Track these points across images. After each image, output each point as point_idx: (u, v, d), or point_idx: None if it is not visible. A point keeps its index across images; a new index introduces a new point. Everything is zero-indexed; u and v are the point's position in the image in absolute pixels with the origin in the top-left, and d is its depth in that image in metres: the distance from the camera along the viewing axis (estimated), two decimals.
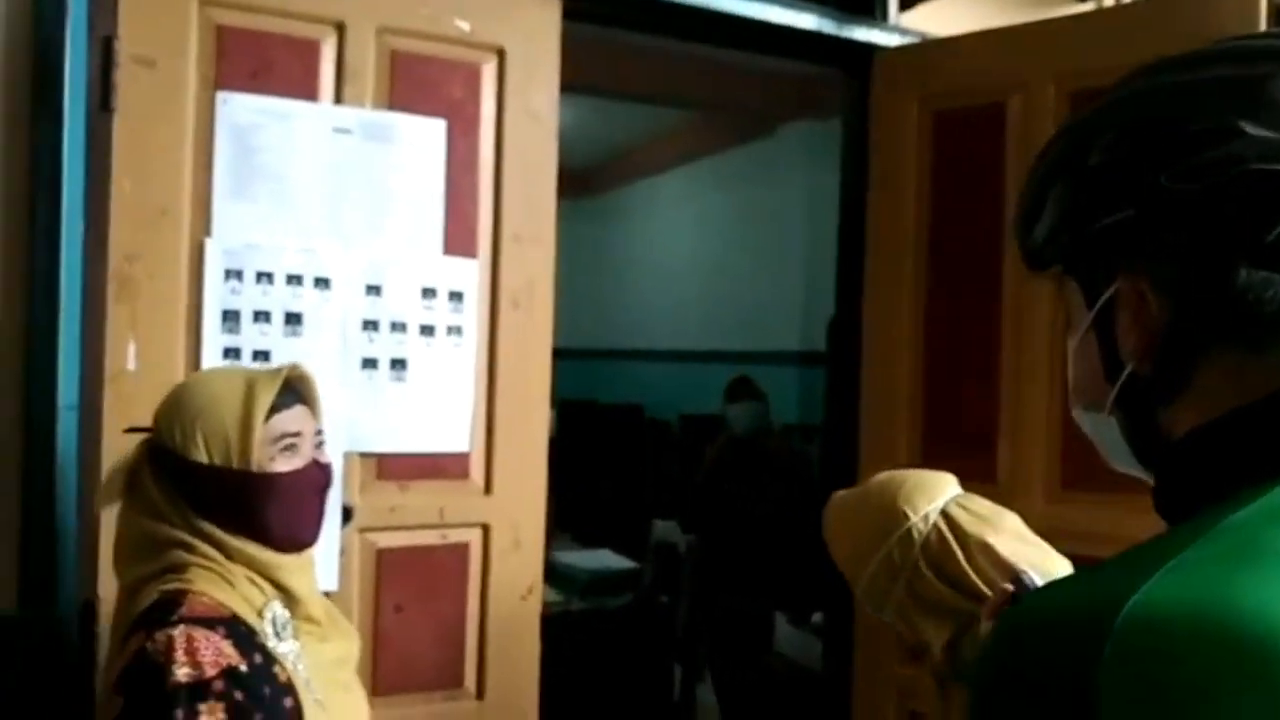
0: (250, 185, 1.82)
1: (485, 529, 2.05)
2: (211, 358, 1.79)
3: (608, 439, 5.48)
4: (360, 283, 1.92)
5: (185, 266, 1.79)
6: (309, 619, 1.29)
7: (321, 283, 1.88)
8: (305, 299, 1.87)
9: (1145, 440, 0.68)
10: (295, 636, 1.26)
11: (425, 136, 1.96)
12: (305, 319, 1.87)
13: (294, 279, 1.85)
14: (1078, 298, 0.70)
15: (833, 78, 2.67)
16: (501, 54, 2.03)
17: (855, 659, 2.49)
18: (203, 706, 1.09)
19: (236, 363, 1.79)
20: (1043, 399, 2.22)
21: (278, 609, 1.25)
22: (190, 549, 1.22)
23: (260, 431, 1.23)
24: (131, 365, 1.74)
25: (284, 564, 1.26)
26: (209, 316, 1.79)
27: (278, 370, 1.29)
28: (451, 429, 2.01)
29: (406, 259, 1.96)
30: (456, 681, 2.04)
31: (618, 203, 7.56)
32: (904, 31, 2.48)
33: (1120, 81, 0.67)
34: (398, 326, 1.96)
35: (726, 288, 6.21)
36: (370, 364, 1.93)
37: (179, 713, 1.08)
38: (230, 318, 1.81)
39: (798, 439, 4.45)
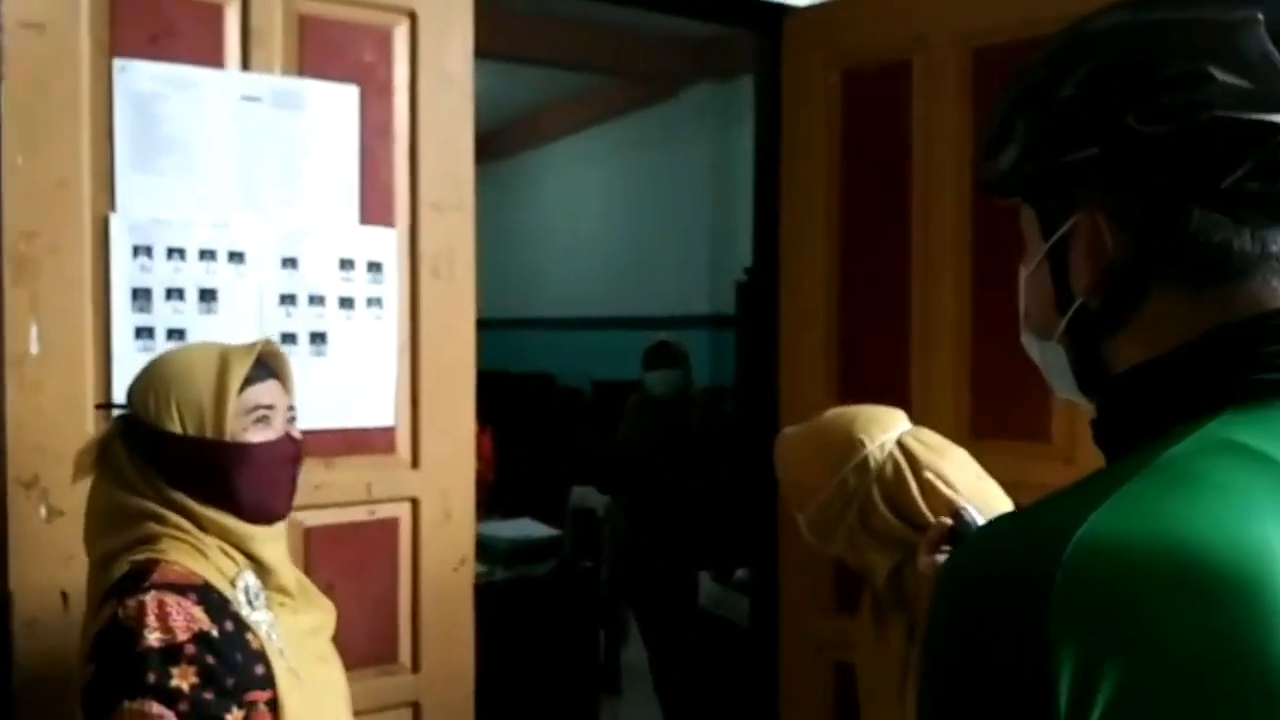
0: (156, 157, 1.74)
1: (414, 503, 2.03)
2: (123, 338, 1.71)
3: (520, 409, 5.46)
4: (275, 255, 1.86)
5: (89, 243, 1.70)
6: (281, 590, 1.29)
7: (235, 257, 1.81)
8: (219, 274, 1.80)
9: (1089, 371, 0.70)
10: (268, 607, 1.26)
11: (337, 103, 1.90)
12: (220, 295, 1.80)
13: (207, 254, 1.79)
14: (1034, 228, 0.71)
15: (736, 39, 2.68)
16: (413, 16, 1.97)
17: (780, 613, 2.55)
18: (175, 670, 1.09)
19: (151, 343, 1.72)
20: (950, 352, 2.28)
21: (250, 579, 1.25)
22: (162, 520, 1.21)
23: (234, 403, 1.24)
24: (34, 348, 1.66)
25: (255, 534, 1.27)
26: (118, 295, 1.71)
27: (252, 345, 1.30)
28: (375, 403, 1.98)
29: (322, 230, 1.90)
30: (391, 656, 2.02)
31: (520, 168, 7.47)
32: None
33: (1097, 13, 0.67)
34: (316, 300, 1.91)
35: (632, 252, 6.22)
36: (289, 339, 1.88)
37: (151, 676, 1.08)
38: (141, 296, 1.73)
39: (711, 401, 4.51)
